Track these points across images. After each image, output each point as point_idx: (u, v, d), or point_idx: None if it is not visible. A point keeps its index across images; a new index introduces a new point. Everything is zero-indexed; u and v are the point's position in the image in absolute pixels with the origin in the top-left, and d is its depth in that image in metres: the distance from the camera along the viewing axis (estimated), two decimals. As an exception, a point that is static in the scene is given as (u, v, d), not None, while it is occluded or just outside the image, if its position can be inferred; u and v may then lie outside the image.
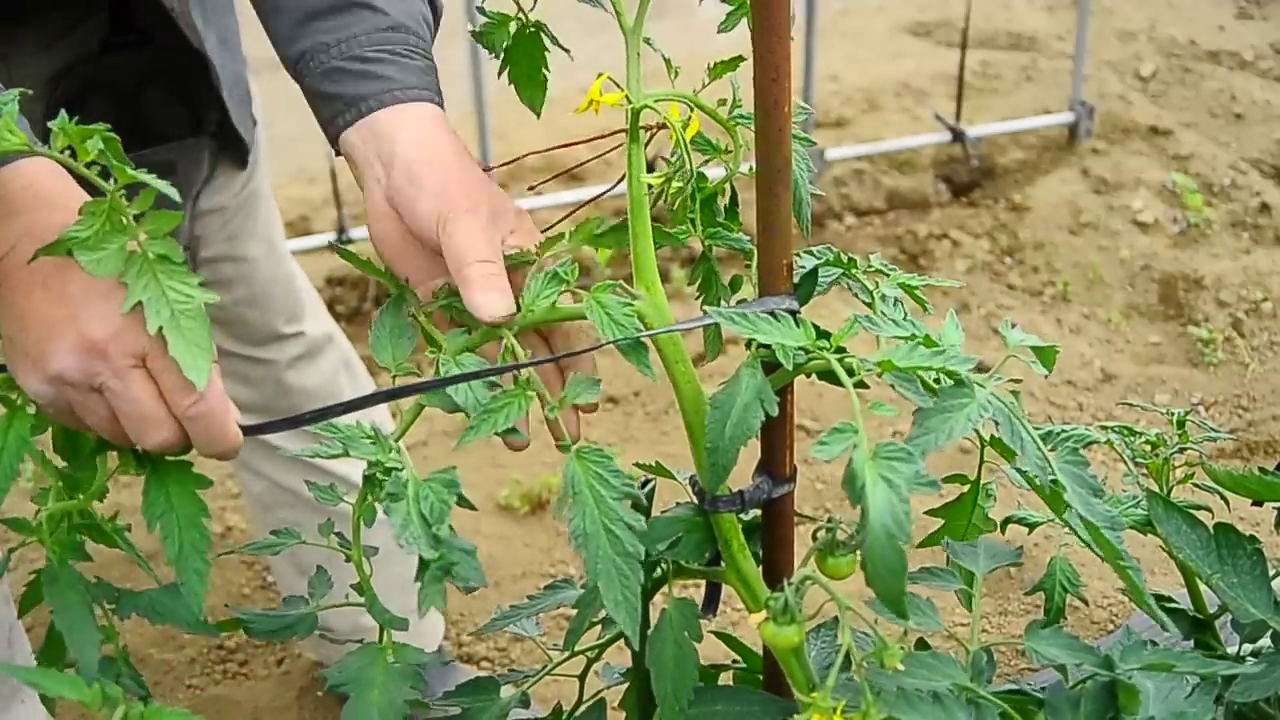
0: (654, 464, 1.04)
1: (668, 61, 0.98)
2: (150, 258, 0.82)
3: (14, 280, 0.84)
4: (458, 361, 0.89)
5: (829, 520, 0.86)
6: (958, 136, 3.49)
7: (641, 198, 0.93)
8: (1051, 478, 0.83)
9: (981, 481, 1.14)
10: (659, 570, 0.98)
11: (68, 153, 0.78)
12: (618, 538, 0.82)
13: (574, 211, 1.13)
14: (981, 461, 1.10)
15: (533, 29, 0.97)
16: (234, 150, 1.52)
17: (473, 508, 0.87)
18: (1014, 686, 0.93)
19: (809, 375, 0.90)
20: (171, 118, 1.41)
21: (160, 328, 0.80)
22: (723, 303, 0.99)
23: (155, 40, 1.29)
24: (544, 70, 0.99)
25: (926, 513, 1.20)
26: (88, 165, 0.78)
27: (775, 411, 0.84)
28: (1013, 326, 0.94)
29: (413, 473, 0.83)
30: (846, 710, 0.77)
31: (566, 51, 0.99)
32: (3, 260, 0.85)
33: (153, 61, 1.33)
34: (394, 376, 0.94)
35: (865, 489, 0.72)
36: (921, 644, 1.13)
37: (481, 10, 1.01)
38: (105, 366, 0.82)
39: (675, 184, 0.95)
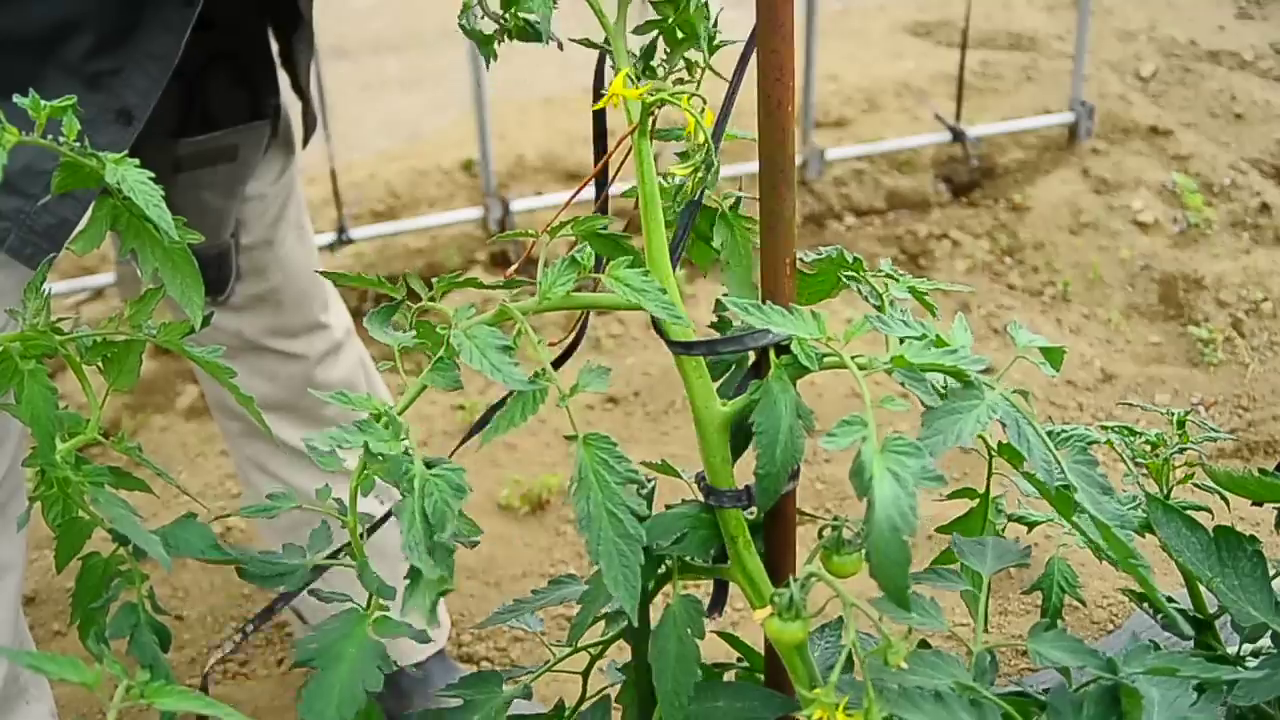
0: (660, 462, 1.05)
1: (690, 64, 0.97)
2: None
3: None
4: (468, 333, 0.88)
5: (835, 519, 0.86)
6: (958, 136, 3.49)
7: (653, 192, 0.93)
8: (1060, 480, 0.82)
9: (991, 495, 1.13)
10: (663, 567, 0.98)
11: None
12: (619, 520, 0.85)
13: (565, 206, 1.12)
14: (990, 472, 1.09)
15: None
16: (284, 136, 1.54)
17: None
18: (1016, 688, 0.93)
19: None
20: (232, 102, 1.44)
21: None
22: None
23: (219, 21, 1.29)
24: None
25: (938, 529, 1.20)
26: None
27: (814, 427, 0.85)
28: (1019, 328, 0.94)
29: (420, 466, 0.83)
30: (849, 708, 0.77)
31: (561, 47, 0.98)
32: None
33: (218, 43, 1.34)
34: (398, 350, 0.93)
35: (873, 481, 0.73)
36: (922, 644, 1.13)
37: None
38: None
39: (698, 175, 0.95)
